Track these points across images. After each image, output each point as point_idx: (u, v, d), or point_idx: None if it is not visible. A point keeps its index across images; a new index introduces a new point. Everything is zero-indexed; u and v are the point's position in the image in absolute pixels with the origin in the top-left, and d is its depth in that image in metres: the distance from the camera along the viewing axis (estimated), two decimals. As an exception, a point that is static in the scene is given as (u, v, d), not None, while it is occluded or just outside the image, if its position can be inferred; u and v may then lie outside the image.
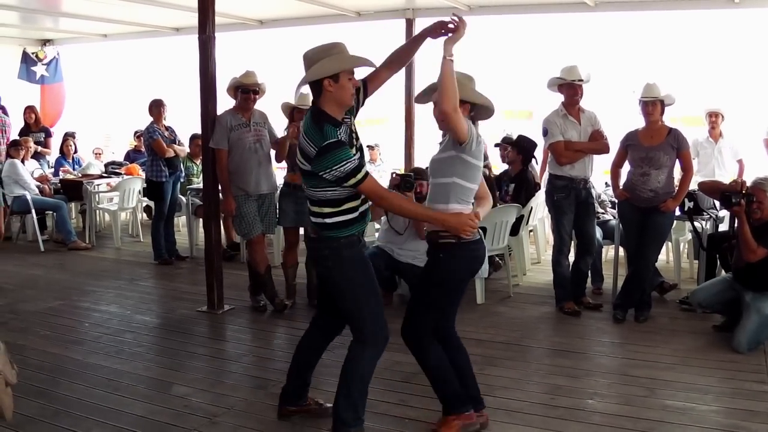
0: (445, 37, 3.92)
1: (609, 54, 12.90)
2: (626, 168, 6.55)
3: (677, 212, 6.70)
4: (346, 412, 3.96)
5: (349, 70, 3.81)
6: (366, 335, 4.02)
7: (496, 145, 8.63)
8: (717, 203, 6.88)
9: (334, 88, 3.76)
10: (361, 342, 4.03)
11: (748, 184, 6.00)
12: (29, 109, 11.70)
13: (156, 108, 8.80)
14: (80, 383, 5.02)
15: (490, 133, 9.88)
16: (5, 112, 11.48)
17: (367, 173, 3.76)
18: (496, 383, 5.02)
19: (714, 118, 9.03)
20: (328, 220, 3.88)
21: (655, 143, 6.26)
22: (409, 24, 10.41)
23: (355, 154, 3.78)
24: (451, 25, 3.93)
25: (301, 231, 6.94)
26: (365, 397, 4.05)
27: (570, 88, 6.58)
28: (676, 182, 6.47)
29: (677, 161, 6.33)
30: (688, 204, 6.90)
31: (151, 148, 8.76)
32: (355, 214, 3.91)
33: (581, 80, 6.56)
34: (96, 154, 13.06)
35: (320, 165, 3.68)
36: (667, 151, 6.23)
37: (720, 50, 12.75)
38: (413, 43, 4.32)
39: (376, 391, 4.79)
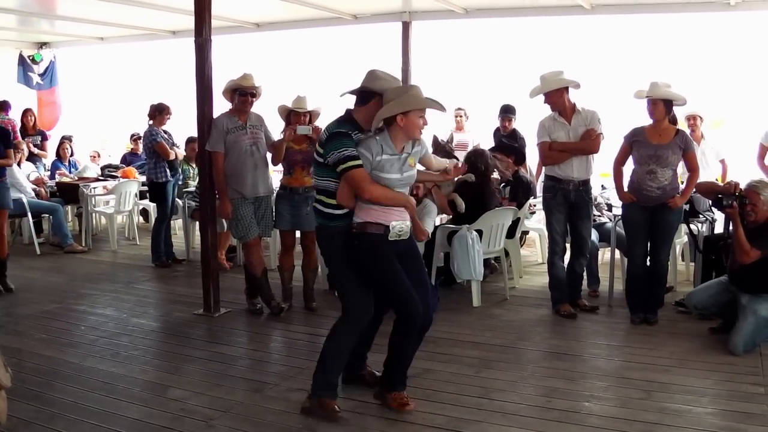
0: None
1: (605, 57, 12.93)
2: (627, 169, 6.53)
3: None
4: (319, 384, 4.51)
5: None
6: (347, 313, 4.52)
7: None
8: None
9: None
10: (342, 320, 4.54)
11: (743, 186, 6.00)
12: (28, 112, 11.69)
13: (160, 112, 8.79)
14: (76, 386, 5.01)
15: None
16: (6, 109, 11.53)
17: (358, 166, 4.23)
18: (493, 386, 5.02)
19: (692, 120, 9.00)
20: (323, 209, 4.47)
21: (663, 142, 6.21)
22: (406, 27, 10.42)
23: (355, 151, 4.26)
24: None
25: (297, 234, 6.96)
26: (341, 370, 4.62)
27: (547, 98, 6.60)
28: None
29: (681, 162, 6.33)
30: (685, 206, 6.90)
31: (154, 150, 8.74)
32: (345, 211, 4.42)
33: (549, 90, 6.56)
34: (93, 157, 13.03)
35: (326, 149, 4.31)
36: (674, 151, 6.20)
37: (717, 53, 12.78)
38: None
39: (369, 392, 4.80)
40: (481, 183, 7.35)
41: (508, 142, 8.42)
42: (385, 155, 4.30)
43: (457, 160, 7.69)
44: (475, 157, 7.61)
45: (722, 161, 9.15)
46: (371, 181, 4.27)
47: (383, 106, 4.31)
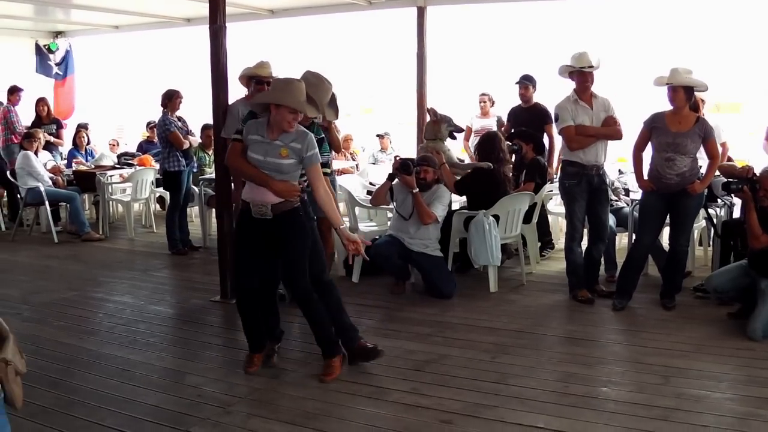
0: None
1: (623, 40, 12.84)
2: (647, 156, 6.46)
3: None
4: None
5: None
6: None
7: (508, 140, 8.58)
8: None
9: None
10: None
11: (758, 171, 5.96)
12: (41, 102, 11.72)
13: (171, 99, 8.77)
14: (94, 373, 5.04)
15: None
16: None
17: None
18: (510, 371, 5.01)
19: (698, 104, 8.89)
20: None
21: (683, 129, 6.11)
22: (421, 12, 10.33)
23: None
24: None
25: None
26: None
27: (580, 75, 6.51)
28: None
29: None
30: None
31: (167, 140, 8.76)
32: None
33: (591, 66, 6.49)
34: (111, 145, 13.08)
35: None
36: (693, 139, 6.10)
37: (736, 36, 12.68)
38: None
39: (388, 379, 4.85)
40: (495, 168, 7.33)
41: (527, 130, 8.31)
42: (255, 136, 4.71)
43: (454, 138, 7.81)
44: (489, 142, 7.59)
45: (723, 144, 9.03)
46: (237, 154, 4.77)
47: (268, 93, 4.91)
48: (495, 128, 9.39)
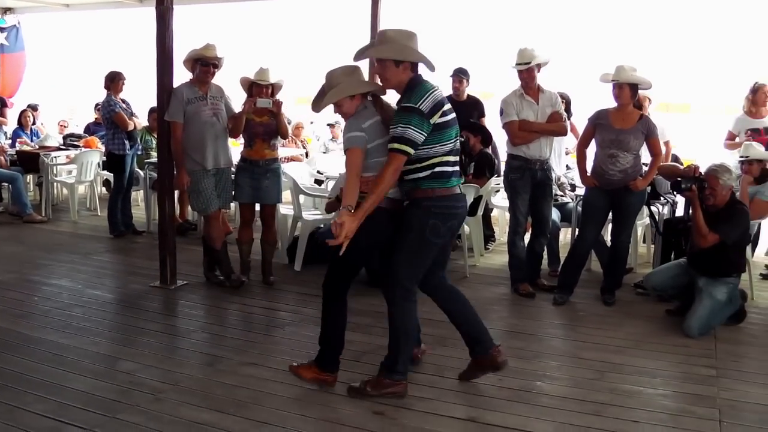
0: None
1: (574, 36, 12.93)
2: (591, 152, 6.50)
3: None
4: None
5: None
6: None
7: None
8: (676, 188, 6.88)
9: None
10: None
11: (703, 170, 6.02)
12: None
13: (113, 81, 8.61)
14: (24, 357, 4.92)
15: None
16: None
17: None
18: (447, 363, 5.00)
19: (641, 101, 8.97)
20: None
21: (626, 126, 6.17)
22: (375, 2, 10.25)
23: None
24: None
25: (257, 207, 6.89)
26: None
27: (523, 71, 6.53)
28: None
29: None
30: (647, 188, 6.90)
31: (112, 121, 8.59)
32: None
33: (527, 63, 6.46)
34: (61, 126, 12.87)
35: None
36: (637, 136, 6.16)
37: (685, 37, 12.83)
38: None
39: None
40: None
41: (476, 123, 8.30)
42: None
43: None
44: None
45: (666, 143, 9.12)
46: None
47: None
48: None
